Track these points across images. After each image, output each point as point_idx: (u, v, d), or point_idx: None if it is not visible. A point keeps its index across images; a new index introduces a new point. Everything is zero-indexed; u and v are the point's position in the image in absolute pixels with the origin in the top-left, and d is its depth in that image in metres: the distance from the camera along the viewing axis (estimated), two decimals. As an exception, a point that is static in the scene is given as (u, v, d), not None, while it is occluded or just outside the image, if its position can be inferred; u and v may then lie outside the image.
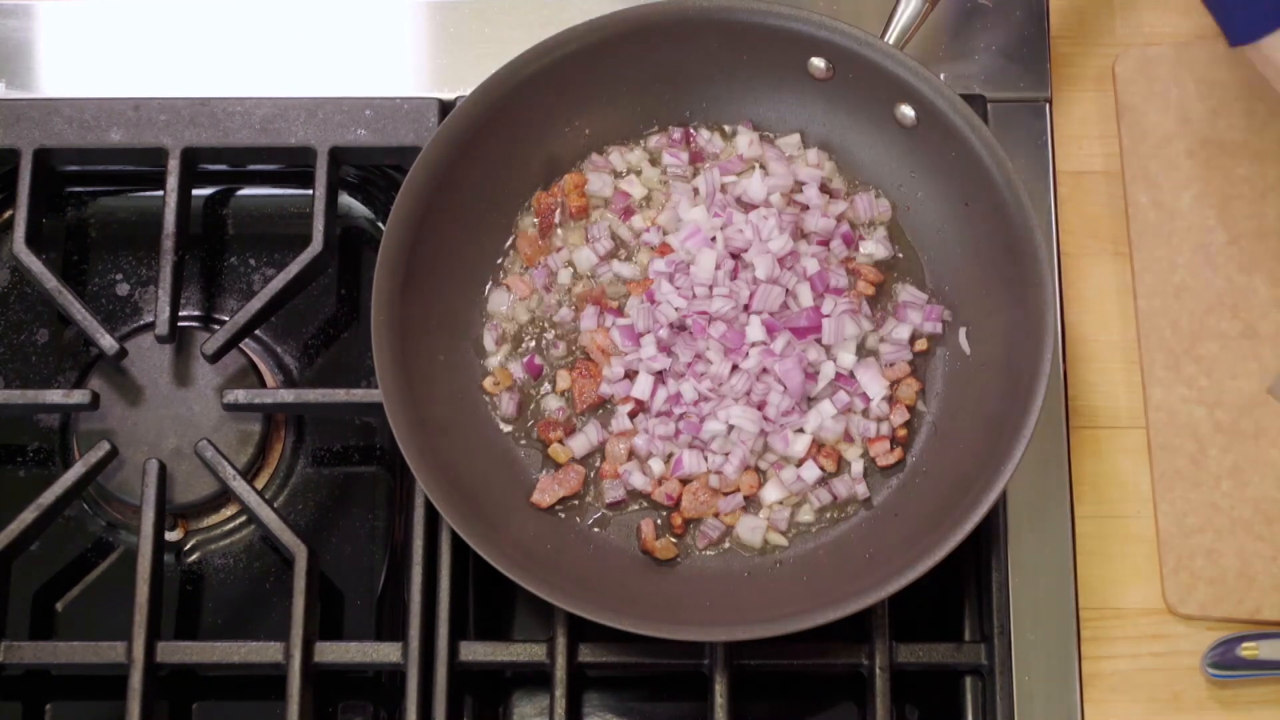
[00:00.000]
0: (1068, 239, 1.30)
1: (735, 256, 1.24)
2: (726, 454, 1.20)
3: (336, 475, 1.30)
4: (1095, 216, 1.30)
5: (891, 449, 1.21)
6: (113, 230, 1.35)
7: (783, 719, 1.24)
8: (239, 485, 1.22)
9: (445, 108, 1.29)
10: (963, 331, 1.23)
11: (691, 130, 1.29)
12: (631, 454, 1.22)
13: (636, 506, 1.22)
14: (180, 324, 1.28)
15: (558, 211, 1.26)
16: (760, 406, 1.20)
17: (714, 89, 1.28)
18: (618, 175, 1.28)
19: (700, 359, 1.22)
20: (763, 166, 1.26)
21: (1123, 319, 1.28)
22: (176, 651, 1.19)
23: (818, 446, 1.21)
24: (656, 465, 1.21)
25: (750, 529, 1.20)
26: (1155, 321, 1.27)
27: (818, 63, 1.24)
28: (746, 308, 1.22)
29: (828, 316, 1.22)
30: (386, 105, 1.29)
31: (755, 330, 1.21)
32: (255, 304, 1.25)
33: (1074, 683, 1.20)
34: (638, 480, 1.21)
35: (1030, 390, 1.13)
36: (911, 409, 1.23)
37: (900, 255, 1.26)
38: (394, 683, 1.23)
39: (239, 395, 1.23)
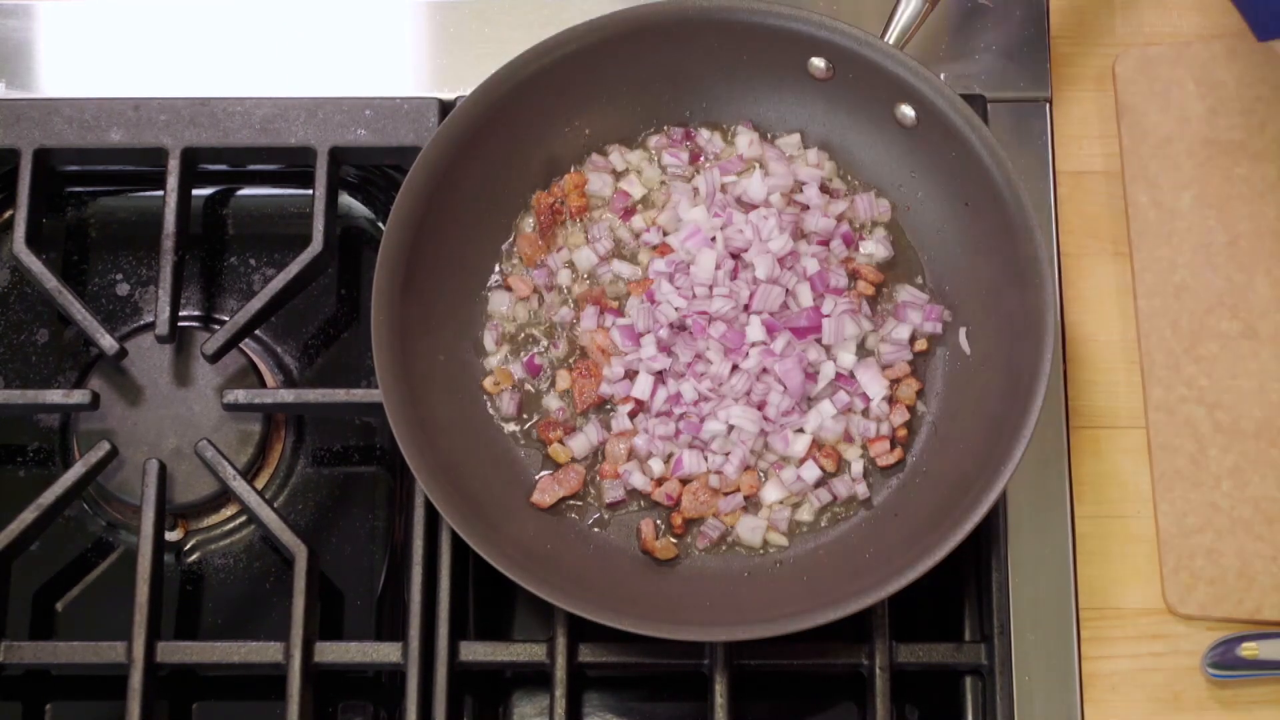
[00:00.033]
0: (1068, 239, 1.30)
1: (735, 256, 1.24)
2: (726, 454, 1.20)
3: (336, 475, 1.30)
4: (1095, 216, 1.30)
5: (891, 449, 1.21)
6: (113, 230, 1.35)
7: (783, 719, 1.24)
8: (239, 485, 1.22)
9: (445, 108, 1.29)
10: (963, 331, 1.23)
11: (691, 130, 1.29)
12: (631, 454, 1.22)
13: (636, 506, 1.22)
14: (180, 324, 1.28)
15: (558, 211, 1.26)
16: (760, 406, 1.20)
17: (714, 89, 1.28)
18: (618, 175, 1.28)
19: (700, 359, 1.22)
20: (763, 166, 1.26)
21: (1123, 319, 1.28)
22: (176, 651, 1.19)
23: (818, 446, 1.21)
24: (656, 465, 1.21)
25: (750, 529, 1.20)
26: (1155, 321, 1.27)
27: (818, 63, 1.24)
28: (746, 308, 1.22)
29: (828, 316, 1.22)
30: (386, 105, 1.29)
31: (755, 330, 1.21)
32: (255, 304, 1.25)
33: (1074, 683, 1.20)
34: (638, 480, 1.21)
35: (1030, 390, 1.13)
36: (911, 409, 1.23)
37: (900, 255, 1.26)
38: (394, 683, 1.23)
39: (239, 395, 1.23)
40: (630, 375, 1.23)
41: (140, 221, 1.34)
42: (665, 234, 1.26)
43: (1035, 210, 1.16)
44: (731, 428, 1.20)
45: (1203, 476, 1.23)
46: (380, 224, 1.35)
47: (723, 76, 1.27)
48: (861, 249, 1.26)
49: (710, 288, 1.22)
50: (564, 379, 1.24)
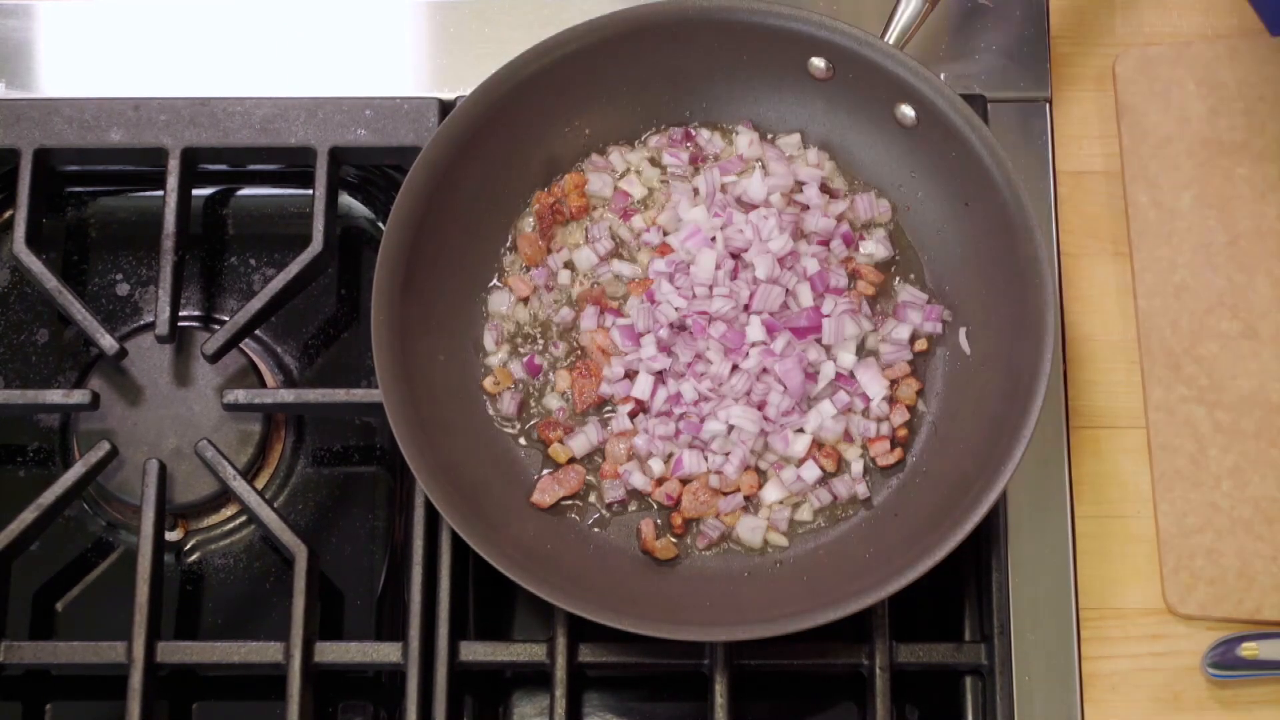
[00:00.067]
0: (1068, 239, 1.30)
1: (735, 256, 1.24)
2: (726, 454, 1.20)
3: (336, 475, 1.30)
4: (1095, 216, 1.30)
5: (891, 449, 1.21)
6: (113, 230, 1.35)
7: (783, 719, 1.24)
8: (239, 485, 1.22)
9: (445, 108, 1.29)
10: (963, 331, 1.23)
11: (691, 130, 1.29)
12: (631, 454, 1.22)
13: (636, 506, 1.22)
14: (180, 324, 1.28)
15: (558, 211, 1.26)
16: (760, 406, 1.20)
17: (714, 89, 1.27)
18: (618, 175, 1.28)
19: (700, 359, 1.22)
20: (763, 166, 1.26)
21: (1123, 319, 1.28)
22: (176, 651, 1.19)
23: (818, 446, 1.21)
24: (656, 465, 1.21)
25: (750, 529, 1.20)
26: (1155, 321, 1.27)
27: (818, 63, 1.24)
28: (746, 308, 1.22)
29: (828, 316, 1.22)
30: (386, 105, 1.29)
31: (755, 330, 1.21)
32: (255, 304, 1.25)
33: (1074, 683, 1.20)
34: (638, 480, 1.21)
35: (1030, 390, 1.13)
36: (911, 409, 1.23)
37: (900, 255, 1.26)
38: (394, 683, 1.23)
39: (239, 395, 1.23)
40: (630, 375, 1.23)
41: (140, 221, 1.34)
42: (665, 234, 1.26)
43: (1035, 210, 1.16)
44: (731, 428, 1.20)
45: (1203, 476, 1.23)
46: (380, 224, 1.35)
47: (723, 76, 1.27)
48: (861, 249, 1.26)
49: (710, 288, 1.22)
50: (564, 379, 1.24)
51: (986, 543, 1.21)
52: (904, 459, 1.22)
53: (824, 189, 1.26)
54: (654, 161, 1.28)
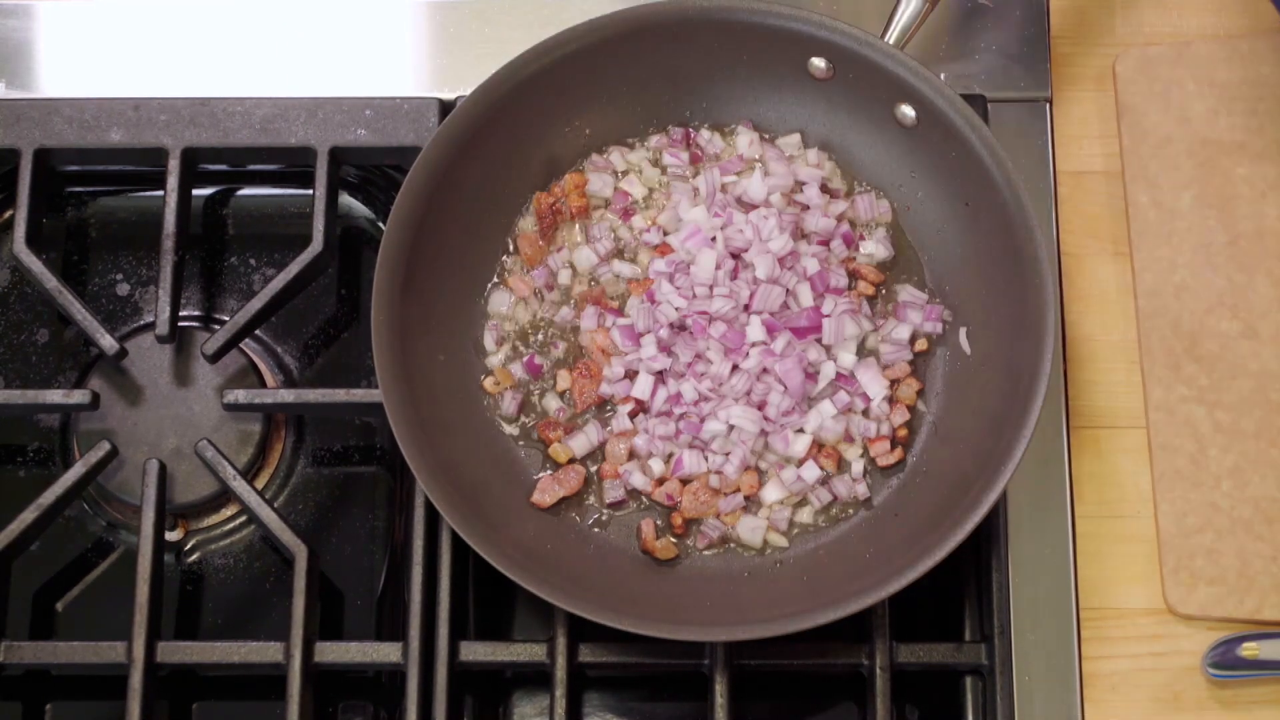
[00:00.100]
0: (1068, 239, 1.30)
1: (735, 256, 1.24)
2: (727, 454, 1.20)
3: (336, 475, 1.30)
4: (1095, 216, 1.30)
5: (891, 449, 1.21)
6: (113, 230, 1.35)
7: (783, 719, 1.24)
8: (239, 485, 1.22)
9: (445, 108, 1.29)
10: (963, 331, 1.23)
11: (691, 130, 1.29)
12: (631, 454, 1.22)
13: (636, 506, 1.22)
14: (180, 324, 1.28)
15: (558, 211, 1.26)
16: (760, 406, 1.20)
17: (714, 89, 1.27)
18: (618, 175, 1.28)
19: (700, 359, 1.22)
20: (763, 166, 1.26)
21: (1123, 319, 1.28)
22: (176, 651, 1.19)
23: (818, 446, 1.21)
24: (656, 465, 1.21)
25: (750, 529, 1.20)
26: (1155, 321, 1.27)
27: (818, 63, 1.24)
28: (746, 308, 1.22)
29: (828, 316, 1.22)
30: (386, 105, 1.29)
31: (755, 330, 1.21)
32: (255, 304, 1.25)
33: (1074, 683, 1.20)
34: (638, 480, 1.21)
35: (1030, 390, 1.13)
36: (911, 409, 1.23)
37: (900, 255, 1.26)
38: (394, 683, 1.23)
39: (239, 395, 1.23)
40: (630, 375, 1.23)
41: (140, 221, 1.34)
42: (665, 234, 1.26)
43: (1035, 210, 1.16)
44: (732, 428, 1.20)
45: (1203, 476, 1.23)
46: (380, 224, 1.35)
47: (723, 76, 1.27)
48: (861, 249, 1.26)
49: (710, 288, 1.22)
50: (564, 379, 1.24)
51: (986, 543, 1.21)
52: (904, 459, 1.22)
53: (824, 189, 1.26)
54: (654, 161, 1.28)
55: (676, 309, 1.22)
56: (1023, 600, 1.21)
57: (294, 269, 1.25)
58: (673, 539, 1.20)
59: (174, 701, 1.25)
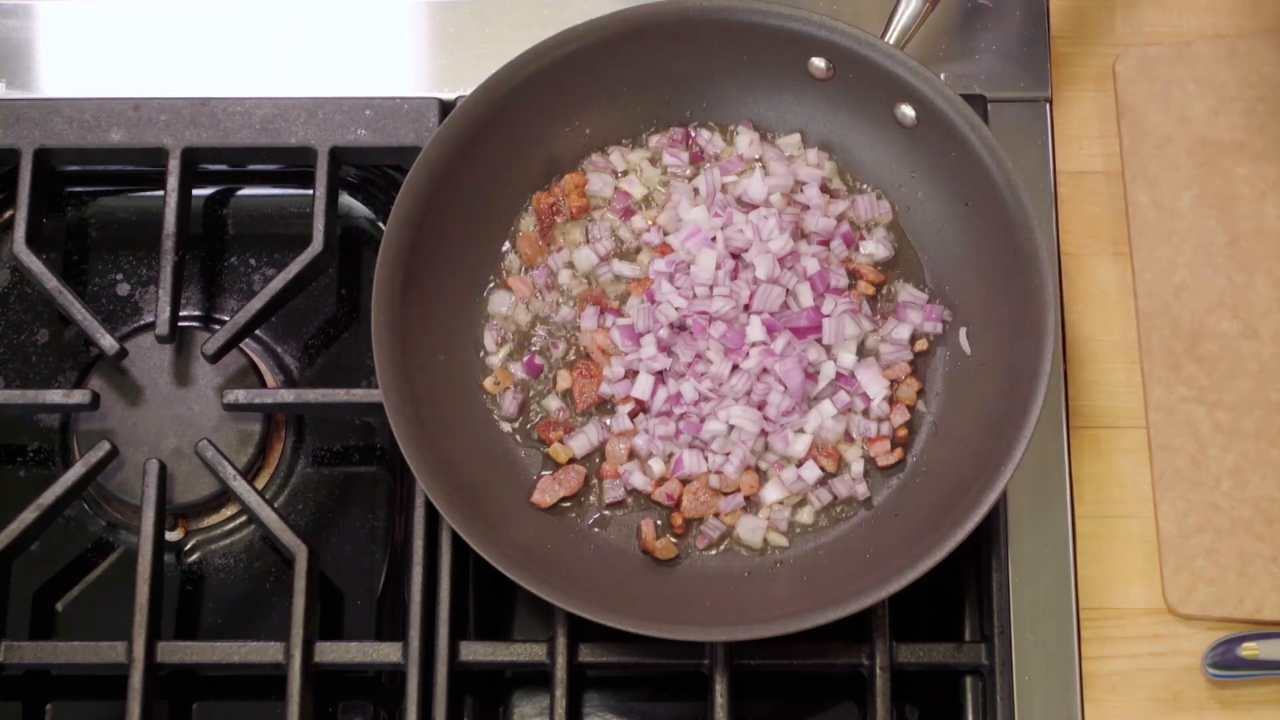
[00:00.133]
0: (1068, 239, 1.30)
1: (735, 256, 1.24)
2: (727, 454, 1.20)
3: (336, 475, 1.30)
4: (1095, 216, 1.30)
5: (891, 449, 1.21)
6: (113, 230, 1.35)
7: (783, 719, 1.24)
8: (239, 485, 1.22)
9: (445, 108, 1.29)
10: (963, 331, 1.23)
11: (691, 130, 1.29)
12: (632, 454, 1.22)
13: (637, 506, 1.22)
14: (180, 324, 1.28)
15: (558, 211, 1.26)
16: (760, 406, 1.20)
17: (714, 89, 1.27)
18: (618, 175, 1.28)
19: (700, 359, 1.22)
20: (763, 166, 1.26)
21: (1123, 319, 1.28)
22: (176, 651, 1.19)
23: (818, 446, 1.21)
24: (657, 465, 1.21)
25: (750, 529, 1.20)
26: (1155, 321, 1.27)
27: (818, 63, 1.24)
28: (747, 308, 1.22)
29: (828, 316, 1.22)
30: (386, 105, 1.29)
31: (755, 330, 1.21)
32: (255, 304, 1.25)
33: (1074, 683, 1.20)
34: (638, 480, 1.21)
35: (1030, 390, 1.13)
36: (911, 409, 1.23)
37: (900, 255, 1.26)
38: (394, 683, 1.23)
39: (239, 395, 1.23)
40: (630, 375, 1.23)
41: (140, 221, 1.34)
42: (665, 234, 1.26)
43: (1035, 210, 1.16)
44: (732, 428, 1.20)
45: (1203, 476, 1.23)
46: (380, 224, 1.35)
47: (723, 76, 1.27)
48: (862, 249, 1.26)
49: (710, 288, 1.22)
50: (564, 379, 1.24)
51: (986, 543, 1.21)
52: (904, 459, 1.22)
53: (824, 189, 1.26)
54: (654, 161, 1.28)
55: (676, 309, 1.22)
56: (1023, 600, 1.21)
57: (294, 269, 1.25)
58: (673, 539, 1.20)
59: (174, 701, 1.25)
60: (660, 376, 1.22)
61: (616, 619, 1.11)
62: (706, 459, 1.21)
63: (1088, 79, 1.34)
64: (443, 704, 1.18)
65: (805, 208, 1.25)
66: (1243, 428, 1.24)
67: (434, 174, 1.20)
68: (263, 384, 1.29)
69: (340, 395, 1.23)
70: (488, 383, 1.24)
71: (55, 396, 1.23)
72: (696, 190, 1.26)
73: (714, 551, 1.21)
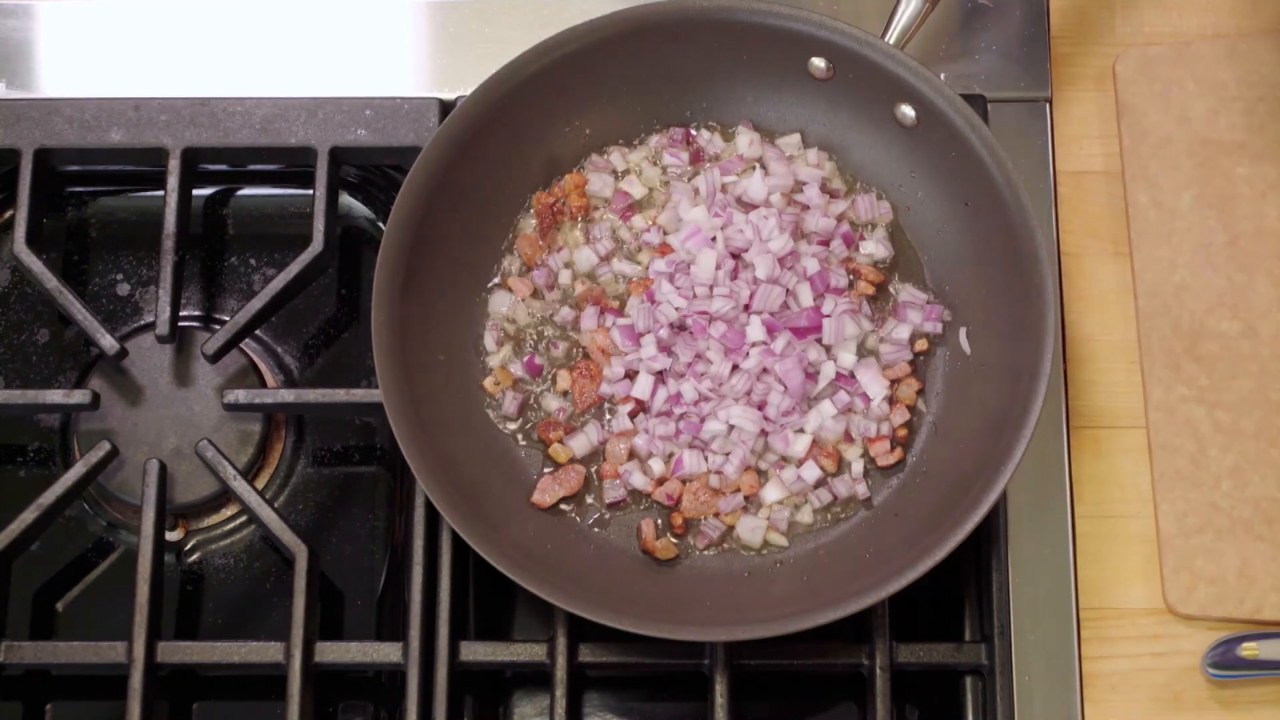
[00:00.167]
0: (1068, 239, 1.30)
1: (735, 256, 1.24)
2: (727, 454, 1.20)
3: (336, 475, 1.30)
4: (1095, 216, 1.30)
5: (892, 449, 1.21)
6: (113, 230, 1.35)
7: (783, 719, 1.24)
8: (239, 485, 1.22)
9: (445, 108, 1.29)
10: (963, 331, 1.23)
11: (691, 130, 1.29)
12: (632, 454, 1.22)
13: (637, 506, 1.22)
14: (180, 324, 1.28)
15: (558, 211, 1.26)
16: (760, 406, 1.20)
17: (714, 89, 1.28)
18: (618, 175, 1.28)
19: (700, 359, 1.22)
20: (763, 166, 1.26)
21: (1123, 319, 1.28)
22: (176, 651, 1.19)
23: (818, 446, 1.21)
24: (657, 465, 1.21)
25: (750, 529, 1.20)
26: (1155, 321, 1.27)
27: (818, 63, 1.24)
28: (747, 308, 1.22)
29: (828, 316, 1.22)
30: (386, 105, 1.29)
31: (755, 330, 1.21)
32: (255, 304, 1.25)
33: (1074, 683, 1.20)
34: (638, 480, 1.21)
35: (1030, 390, 1.13)
36: (911, 409, 1.23)
37: (900, 255, 1.26)
38: (394, 683, 1.23)
39: (239, 395, 1.23)
40: (630, 375, 1.23)
41: (140, 221, 1.34)
42: (665, 234, 1.26)
43: (1035, 210, 1.16)
44: (732, 428, 1.20)
45: (1203, 476, 1.23)
46: (380, 224, 1.35)
47: (723, 76, 1.27)
48: (861, 249, 1.26)
49: (710, 288, 1.22)
50: (564, 379, 1.24)
51: (986, 543, 1.21)
52: (904, 459, 1.22)
53: (824, 189, 1.26)
54: (654, 161, 1.28)
55: (676, 309, 1.22)
56: (1023, 600, 1.21)
57: (294, 269, 1.25)
58: (673, 539, 1.20)
59: (174, 701, 1.25)
60: (660, 376, 1.22)
61: (616, 619, 1.11)
62: (706, 459, 1.21)
63: (1088, 79, 1.34)
64: (443, 704, 1.18)
65: (805, 208, 1.25)
66: (1243, 428, 1.24)
67: (434, 174, 1.20)
68: (263, 384, 1.29)
69: (340, 395, 1.23)
70: (488, 383, 1.24)
71: (55, 396, 1.24)
72: (696, 190, 1.26)
73: (714, 551, 1.21)
